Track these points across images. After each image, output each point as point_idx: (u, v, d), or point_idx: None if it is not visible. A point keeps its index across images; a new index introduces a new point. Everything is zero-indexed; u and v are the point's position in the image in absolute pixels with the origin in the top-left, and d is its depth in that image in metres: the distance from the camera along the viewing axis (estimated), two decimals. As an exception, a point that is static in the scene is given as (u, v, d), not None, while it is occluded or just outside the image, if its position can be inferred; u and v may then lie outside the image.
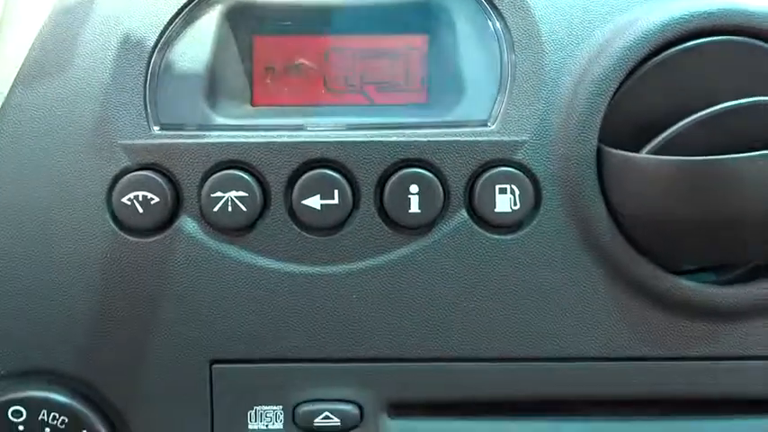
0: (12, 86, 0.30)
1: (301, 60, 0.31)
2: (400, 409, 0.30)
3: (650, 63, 0.28)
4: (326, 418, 0.29)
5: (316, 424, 0.29)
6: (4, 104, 0.29)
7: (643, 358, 0.30)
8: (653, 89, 0.28)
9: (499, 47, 0.29)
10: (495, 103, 0.29)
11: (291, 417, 0.30)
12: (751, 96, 0.26)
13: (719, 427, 0.30)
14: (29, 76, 0.29)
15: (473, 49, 0.30)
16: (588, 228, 0.28)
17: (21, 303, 0.29)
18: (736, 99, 0.26)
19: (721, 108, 0.26)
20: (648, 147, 0.27)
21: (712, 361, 0.30)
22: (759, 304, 0.28)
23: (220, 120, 0.30)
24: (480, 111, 0.29)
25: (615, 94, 0.28)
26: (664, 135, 0.26)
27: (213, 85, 0.30)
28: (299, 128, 0.29)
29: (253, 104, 0.31)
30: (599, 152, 0.28)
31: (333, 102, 0.30)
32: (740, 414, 0.31)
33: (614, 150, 0.27)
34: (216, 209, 0.28)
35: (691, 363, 0.30)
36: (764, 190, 0.25)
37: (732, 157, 0.25)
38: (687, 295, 0.28)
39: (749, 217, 0.26)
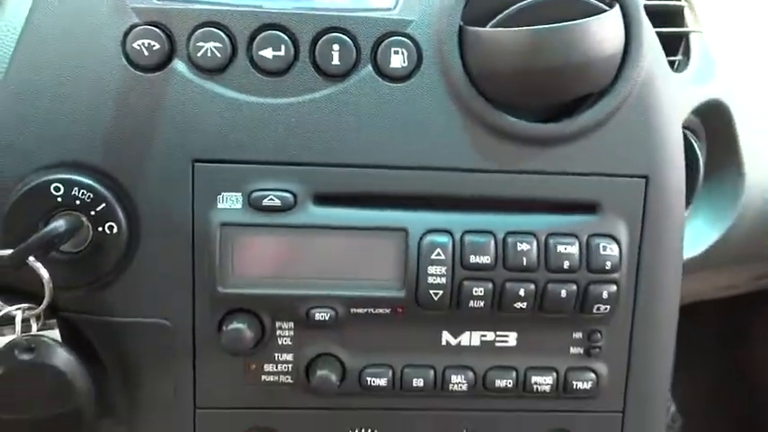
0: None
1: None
2: (322, 199, 0.42)
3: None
4: (271, 200, 0.41)
5: (263, 203, 0.41)
6: None
7: (492, 171, 0.43)
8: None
9: None
10: None
11: (248, 200, 0.42)
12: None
13: (542, 221, 0.43)
14: None
15: None
16: (451, 82, 0.41)
17: (59, 115, 0.41)
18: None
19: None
20: (490, 24, 0.40)
21: (539, 174, 0.43)
22: (568, 135, 0.42)
23: None
24: (388, 2, 0.42)
25: None
26: (499, 16, 0.40)
27: None
28: (260, 5, 0.42)
29: None
30: (461, 29, 0.41)
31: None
32: (557, 212, 0.43)
33: (470, 27, 0.41)
34: (199, 54, 0.41)
35: (524, 175, 0.43)
36: (568, 50, 0.38)
37: (545, 28, 0.38)
38: (520, 128, 0.42)
39: (565, 67, 0.39)
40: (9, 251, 0.38)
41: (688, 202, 0.56)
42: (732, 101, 0.58)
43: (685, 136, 0.54)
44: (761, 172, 0.58)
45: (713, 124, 0.58)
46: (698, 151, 0.57)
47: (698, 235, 0.60)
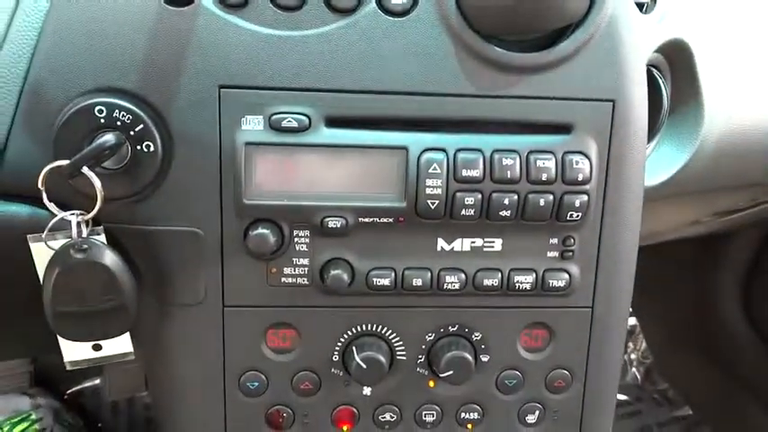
0: None
1: None
2: (333, 121, 0.47)
3: None
4: (289, 122, 0.47)
5: (282, 125, 0.47)
6: None
7: (481, 96, 0.48)
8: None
9: None
10: None
11: (268, 122, 0.47)
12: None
13: (524, 140, 0.48)
14: None
15: None
16: (445, 16, 0.47)
17: (100, 46, 0.46)
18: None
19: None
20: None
21: (521, 99, 0.48)
22: (546, 64, 0.48)
23: None
24: None
25: None
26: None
27: None
28: None
29: None
30: None
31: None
32: (537, 133, 0.49)
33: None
34: None
35: (509, 99, 0.48)
36: None
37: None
38: (505, 58, 0.47)
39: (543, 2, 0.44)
40: (67, 161, 0.44)
41: (655, 132, 0.62)
42: (694, 41, 0.64)
43: (652, 72, 0.61)
44: (719, 105, 0.64)
45: (677, 62, 0.64)
46: (662, 86, 0.63)
47: (666, 160, 0.65)
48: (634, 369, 1.56)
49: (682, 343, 1.47)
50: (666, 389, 1.52)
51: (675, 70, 0.64)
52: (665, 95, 0.63)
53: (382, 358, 0.52)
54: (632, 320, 1.60)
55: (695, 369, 1.44)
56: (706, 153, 0.66)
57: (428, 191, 0.48)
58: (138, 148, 0.47)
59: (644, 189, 0.59)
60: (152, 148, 0.47)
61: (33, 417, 1.08)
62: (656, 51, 0.62)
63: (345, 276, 0.50)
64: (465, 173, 0.48)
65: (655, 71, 0.62)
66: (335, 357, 0.53)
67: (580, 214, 0.50)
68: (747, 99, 0.66)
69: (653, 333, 1.55)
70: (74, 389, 1.34)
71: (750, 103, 0.66)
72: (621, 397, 1.50)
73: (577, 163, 0.49)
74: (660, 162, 0.66)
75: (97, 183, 0.45)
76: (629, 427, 1.42)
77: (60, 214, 0.46)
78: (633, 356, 1.58)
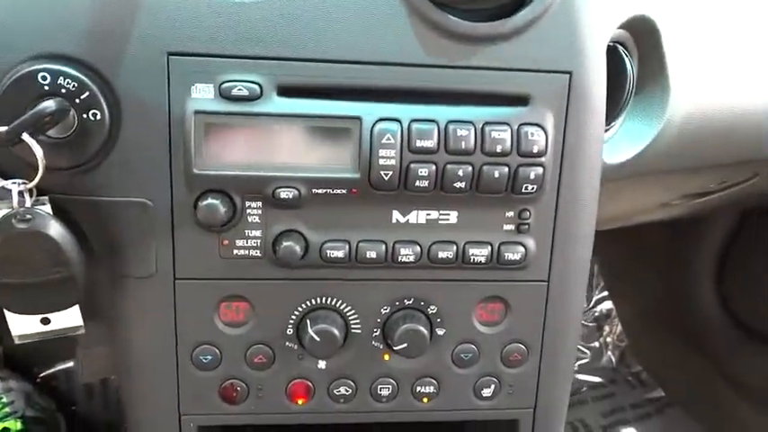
0: None
1: None
2: (285, 90, 0.47)
3: None
4: (239, 90, 0.46)
5: (233, 93, 0.46)
6: None
7: (436, 66, 0.47)
8: None
9: None
10: None
11: (218, 90, 0.46)
12: None
13: (479, 111, 0.48)
14: None
15: None
16: None
17: (43, 10, 0.45)
18: None
19: None
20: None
21: (477, 69, 0.48)
22: (502, 34, 0.47)
23: None
24: None
25: None
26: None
27: None
28: None
29: None
30: None
31: None
32: (493, 104, 0.48)
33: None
34: None
35: (464, 70, 0.47)
36: None
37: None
38: (461, 27, 0.47)
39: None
40: (4, 128, 0.43)
41: (621, 110, 0.62)
42: (661, 18, 0.63)
43: (617, 49, 0.60)
44: (686, 85, 0.64)
45: (643, 39, 0.63)
46: (628, 63, 0.62)
47: (631, 138, 0.65)
48: (609, 352, 1.57)
49: (656, 325, 1.49)
50: (640, 371, 1.54)
51: (642, 47, 0.63)
52: (630, 73, 0.62)
53: (336, 331, 0.51)
54: (608, 304, 1.61)
55: (669, 351, 1.46)
56: (671, 132, 0.65)
57: (381, 161, 0.47)
58: (85, 116, 0.46)
59: (609, 167, 0.59)
60: (99, 117, 0.46)
61: (4, 400, 1.07)
62: (622, 27, 0.61)
63: (298, 248, 0.49)
64: (419, 143, 0.47)
65: (620, 48, 0.62)
66: (290, 331, 0.53)
67: (535, 187, 0.50)
68: (714, 81, 0.66)
69: (627, 316, 1.57)
70: (47, 372, 1.33)
71: (717, 85, 0.66)
72: (596, 379, 1.51)
73: (533, 135, 0.48)
74: (625, 140, 0.65)
75: (38, 150, 0.44)
76: (603, 409, 1.44)
77: (0, 183, 0.45)
78: (609, 339, 1.59)
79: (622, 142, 0.66)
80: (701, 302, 1.36)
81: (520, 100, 0.49)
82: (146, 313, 0.52)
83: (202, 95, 0.46)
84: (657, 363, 1.51)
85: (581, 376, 1.50)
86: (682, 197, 0.95)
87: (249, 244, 0.50)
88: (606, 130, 0.62)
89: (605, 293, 1.60)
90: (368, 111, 0.47)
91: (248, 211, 0.49)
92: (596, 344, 1.57)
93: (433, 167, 0.48)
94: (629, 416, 1.42)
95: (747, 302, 1.30)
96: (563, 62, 0.49)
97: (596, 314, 1.60)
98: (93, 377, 1.26)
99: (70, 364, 1.35)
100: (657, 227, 1.26)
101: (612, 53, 0.58)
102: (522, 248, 0.52)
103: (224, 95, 0.46)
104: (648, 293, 1.49)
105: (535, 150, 0.49)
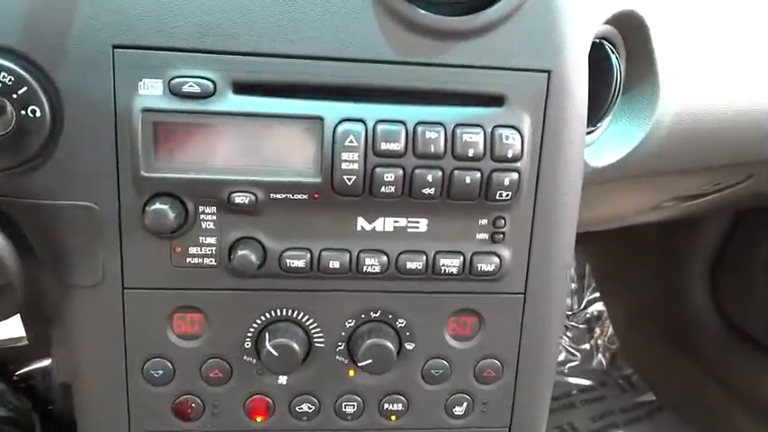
0: None
1: None
2: (241, 87, 0.43)
3: None
4: (191, 86, 0.43)
5: (183, 90, 0.42)
6: None
7: (404, 62, 0.44)
8: None
9: None
10: None
11: (168, 86, 0.42)
12: None
13: (450, 112, 0.44)
14: None
15: None
16: None
17: None
18: None
19: None
20: None
21: (448, 67, 0.44)
22: (475, 29, 0.44)
23: None
24: None
25: None
26: None
27: None
28: None
29: None
30: None
31: None
32: (465, 105, 0.45)
33: None
34: None
35: (434, 68, 0.44)
36: None
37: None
38: (430, 21, 0.43)
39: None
40: (-70, 127, 0.40)
41: (608, 110, 0.58)
42: (649, 14, 0.60)
43: (603, 46, 0.57)
44: (675, 85, 0.60)
45: (631, 36, 0.60)
46: (615, 61, 0.59)
47: (619, 139, 0.62)
48: (600, 355, 1.54)
49: (648, 328, 1.46)
50: (631, 374, 1.51)
51: (629, 44, 0.60)
52: (615, 70, 0.58)
53: (295, 345, 0.48)
54: (600, 306, 1.59)
55: (660, 354, 1.44)
56: (661, 134, 0.62)
57: (344, 165, 0.44)
58: (23, 113, 0.42)
59: (594, 170, 0.56)
60: (39, 114, 0.42)
61: (-23, 399, 1.04)
62: (608, 23, 0.58)
63: (254, 257, 0.46)
64: (385, 146, 0.44)
65: (606, 45, 0.59)
66: (248, 344, 0.50)
67: (510, 193, 0.46)
68: (706, 80, 0.63)
69: (619, 318, 1.54)
70: (23, 370, 1.30)
71: (709, 84, 0.63)
72: (586, 382, 1.49)
73: (507, 138, 0.45)
74: (613, 141, 0.62)
75: (-32, 151, 0.41)
76: (593, 412, 1.41)
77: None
78: (600, 342, 1.56)
79: (609, 144, 0.63)
80: (694, 304, 1.33)
81: (494, 100, 0.46)
82: (93, 324, 0.49)
83: (151, 92, 0.43)
84: (649, 365, 1.49)
85: (571, 379, 1.47)
86: (674, 199, 0.92)
87: (203, 252, 0.47)
88: (591, 132, 0.59)
89: (597, 294, 1.57)
90: (330, 110, 0.44)
91: (202, 216, 0.46)
92: (587, 346, 1.55)
93: (400, 172, 0.45)
94: (618, 420, 1.40)
95: (740, 305, 1.28)
96: (541, 60, 0.46)
97: (587, 316, 1.57)
98: (67, 377, 1.23)
99: (47, 362, 1.32)
100: (651, 227, 1.23)
101: (598, 50, 0.55)
102: (496, 259, 0.49)
103: (174, 92, 0.43)
104: (641, 294, 1.47)
105: (510, 155, 0.45)
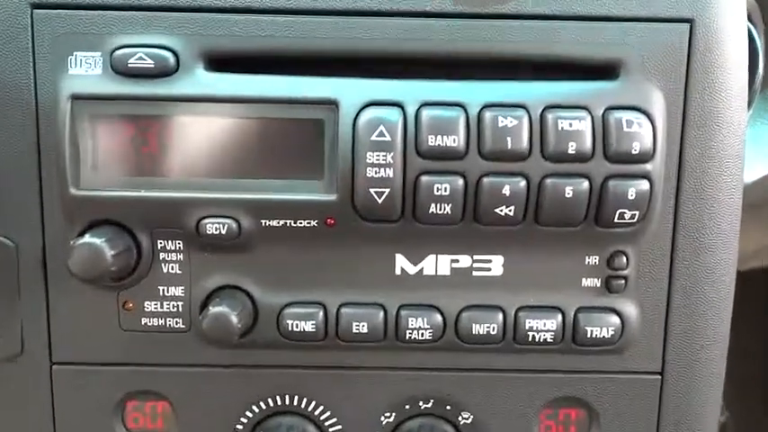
0: None
1: None
2: (217, 61, 0.32)
3: None
4: (140, 59, 0.31)
5: (130, 64, 0.31)
6: None
7: (462, 15, 0.32)
8: None
9: None
10: None
11: (109, 61, 0.32)
12: None
13: (536, 89, 0.32)
14: None
15: None
16: None
17: None
18: None
19: None
20: None
21: (533, 19, 0.32)
22: None
23: None
24: None
25: None
26: None
27: None
28: None
29: None
30: None
31: None
32: (559, 78, 0.33)
33: None
34: None
35: (511, 21, 0.32)
36: None
37: None
38: None
39: None
40: None
41: (748, 103, 0.44)
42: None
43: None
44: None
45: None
46: (756, 38, 0.47)
47: (761, 147, 0.48)
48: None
49: (760, 397, 1.27)
50: (744, 454, 1.30)
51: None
52: (759, 50, 0.47)
53: None
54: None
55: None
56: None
57: (372, 173, 0.31)
58: None
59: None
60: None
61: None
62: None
63: (238, 317, 0.31)
64: (434, 142, 0.31)
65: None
66: None
67: (636, 214, 0.32)
68: None
69: (727, 385, 1.35)
70: None
71: None
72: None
73: (630, 125, 0.32)
74: (753, 149, 0.49)
75: None
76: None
77: None
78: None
79: (749, 152, 0.48)
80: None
81: (605, 69, 0.33)
82: (10, 413, 0.36)
83: (85, 70, 0.32)
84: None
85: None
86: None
87: (165, 309, 0.35)
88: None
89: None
90: (349, 91, 0.32)
91: (162, 255, 0.34)
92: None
93: (460, 182, 0.32)
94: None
95: None
96: (678, 4, 0.32)
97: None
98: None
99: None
100: (760, 274, 1.06)
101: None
102: (614, 318, 0.34)
103: (117, 69, 0.32)
104: (750, 358, 1.28)
105: (634, 151, 0.32)
